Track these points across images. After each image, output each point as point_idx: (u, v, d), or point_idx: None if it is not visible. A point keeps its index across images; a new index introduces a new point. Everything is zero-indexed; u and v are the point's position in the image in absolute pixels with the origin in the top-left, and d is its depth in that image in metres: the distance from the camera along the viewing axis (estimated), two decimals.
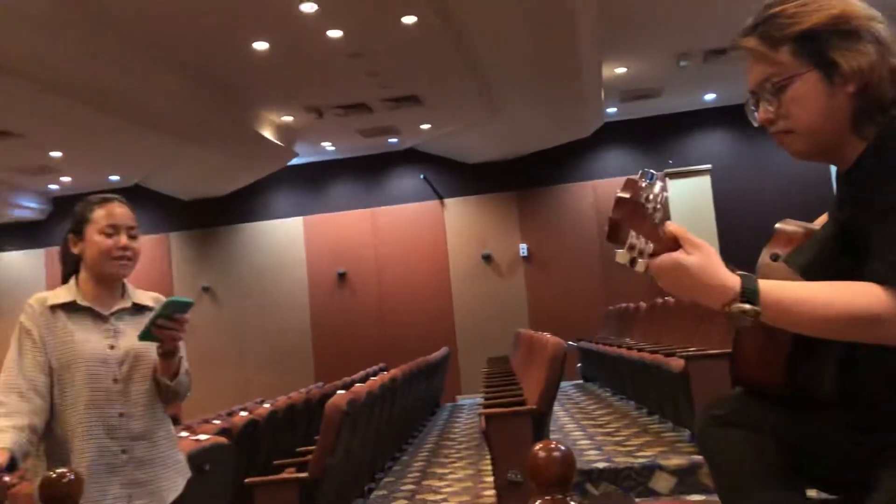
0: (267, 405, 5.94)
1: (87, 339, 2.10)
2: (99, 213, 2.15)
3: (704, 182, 12.50)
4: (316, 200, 13.64)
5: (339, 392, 4.58)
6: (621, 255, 1.18)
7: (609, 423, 6.99)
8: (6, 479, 1.86)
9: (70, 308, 2.12)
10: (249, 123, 10.42)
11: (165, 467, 2.17)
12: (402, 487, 5.96)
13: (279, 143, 11.26)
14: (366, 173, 13.48)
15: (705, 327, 6.41)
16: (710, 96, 12.04)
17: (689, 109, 12.48)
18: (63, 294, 2.14)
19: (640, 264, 1.19)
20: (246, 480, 4.05)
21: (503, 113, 10.74)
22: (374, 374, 7.85)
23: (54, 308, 2.11)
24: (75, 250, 2.16)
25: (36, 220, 13.95)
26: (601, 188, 12.52)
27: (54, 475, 1.76)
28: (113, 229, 2.13)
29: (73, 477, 1.76)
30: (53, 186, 13.22)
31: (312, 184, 13.62)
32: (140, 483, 2.10)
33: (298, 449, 5.04)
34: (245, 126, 10.35)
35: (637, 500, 4.73)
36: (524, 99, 10.19)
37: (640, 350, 6.98)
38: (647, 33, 9.03)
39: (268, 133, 10.87)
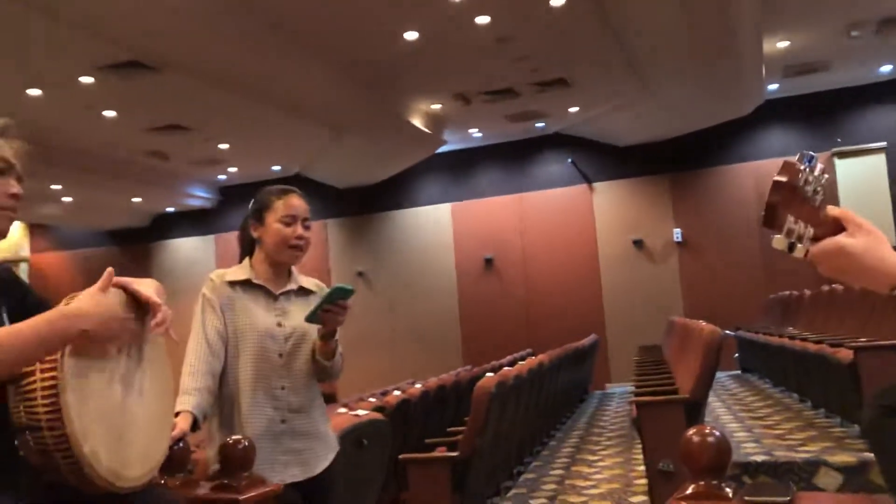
0: (418, 386, 6.12)
1: (259, 315, 2.28)
2: (279, 203, 2.32)
3: (878, 161, 11.57)
4: (463, 187, 13.83)
5: (487, 374, 4.65)
6: (778, 241, 1.15)
7: (769, 416, 6.67)
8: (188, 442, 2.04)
9: (245, 285, 2.31)
10: (399, 113, 10.71)
11: (318, 440, 2.32)
12: (551, 472, 5.97)
13: (428, 131, 11.49)
14: (512, 159, 13.51)
15: (877, 317, 5.97)
16: (886, 68, 11.10)
17: (860, 83, 11.59)
18: (239, 272, 2.33)
19: (800, 249, 1.14)
20: (400, 457, 4.20)
21: (655, 93, 10.41)
22: (522, 360, 7.89)
23: (232, 284, 2.30)
24: (255, 234, 2.34)
25: (206, 209, 15.03)
26: (762, 170, 11.88)
27: (232, 441, 1.93)
28: (291, 219, 2.31)
29: (247, 444, 1.92)
30: (222, 177, 14.17)
31: (460, 170, 13.81)
32: (295, 452, 2.26)
33: (449, 429, 5.17)
34: (395, 115, 10.64)
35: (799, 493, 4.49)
36: (677, 77, 9.83)
37: (803, 340, 6.60)
38: (813, 3, 8.44)
39: (417, 122, 11.13)
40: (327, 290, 2.20)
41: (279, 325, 2.29)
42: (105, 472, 1.46)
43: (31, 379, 1.43)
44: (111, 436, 1.51)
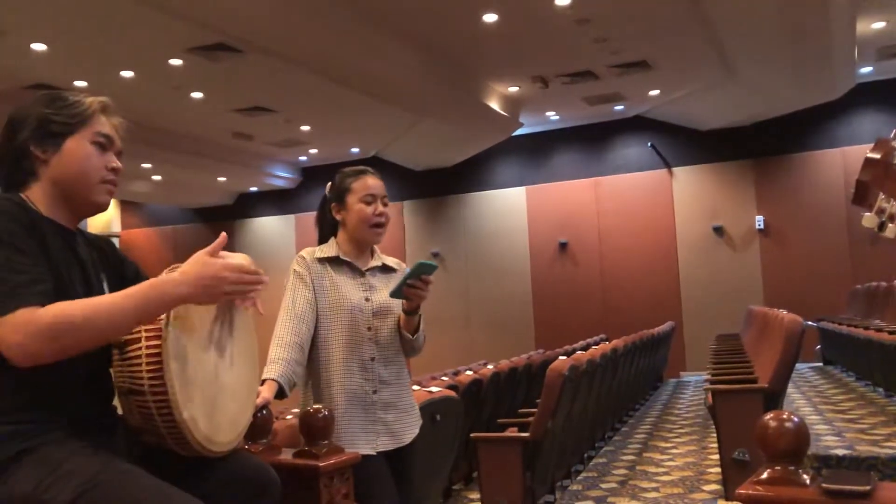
0: (490, 367, 6.17)
1: (349, 290, 2.37)
2: (358, 184, 2.41)
3: None
4: (539, 170, 13.74)
5: (560, 358, 4.65)
6: (868, 219, 1.13)
7: (852, 410, 6.46)
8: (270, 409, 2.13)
9: (334, 262, 2.40)
10: (477, 95, 10.71)
11: (405, 412, 2.39)
12: (622, 458, 5.95)
13: (505, 113, 11.46)
14: (589, 142, 13.34)
15: None
16: None
17: None
18: (328, 250, 2.42)
19: (890, 229, 1.12)
20: (472, 435, 4.26)
21: (740, 75, 10.11)
22: (596, 345, 7.84)
23: (322, 260, 2.39)
24: (338, 217, 2.44)
25: (287, 189, 15.38)
26: (851, 156, 11.42)
27: (312, 410, 2.01)
28: (371, 198, 2.40)
29: (327, 413, 2.00)
30: (303, 158, 14.47)
31: (536, 153, 13.72)
32: (385, 423, 2.33)
33: (521, 410, 5.20)
34: (473, 98, 10.64)
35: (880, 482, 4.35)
36: (764, 59, 9.52)
37: (892, 333, 6.36)
38: None
39: (494, 104, 11.11)
40: (410, 267, 2.27)
41: (366, 299, 2.37)
42: (201, 436, 1.54)
43: (136, 346, 1.51)
44: (206, 402, 1.59)
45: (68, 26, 7.65)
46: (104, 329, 1.44)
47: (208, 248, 1.55)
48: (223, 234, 1.60)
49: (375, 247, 2.49)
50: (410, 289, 2.27)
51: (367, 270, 2.42)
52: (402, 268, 2.50)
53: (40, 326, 1.37)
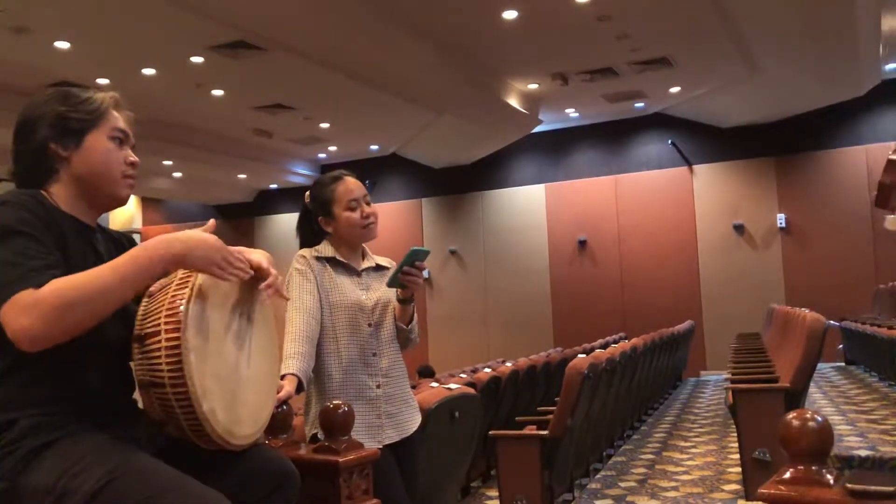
0: (509, 364, 6.16)
1: (348, 289, 2.41)
2: (339, 191, 2.44)
3: None
4: (558, 167, 13.70)
5: (579, 356, 4.63)
6: (892, 221, 1.11)
7: (874, 410, 6.40)
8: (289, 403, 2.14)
9: (332, 262, 2.44)
10: (497, 92, 10.68)
11: (407, 404, 2.44)
12: (641, 456, 5.92)
13: (524, 110, 11.43)
14: (609, 139, 13.28)
15: None
16: None
17: None
18: (325, 250, 2.45)
19: None
20: (490, 432, 4.26)
21: (763, 72, 10.01)
22: (615, 343, 7.81)
23: (320, 259, 2.43)
24: (329, 229, 2.46)
25: (307, 186, 15.37)
26: (876, 153, 11.27)
27: (332, 406, 2.01)
28: (355, 203, 2.43)
29: (347, 409, 2.00)
30: (322, 155, 14.52)
31: (555, 151, 13.68)
32: (389, 415, 2.37)
33: (539, 408, 5.19)
34: (493, 95, 10.62)
35: None
36: (788, 55, 9.42)
37: None
38: None
39: (514, 101, 11.08)
40: (405, 255, 2.30)
41: (365, 298, 2.42)
42: (221, 429, 1.54)
43: (156, 339, 1.52)
44: (226, 395, 1.59)
45: (91, 24, 7.72)
46: (100, 294, 1.42)
47: (200, 227, 1.60)
48: (212, 220, 1.68)
49: (366, 248, 2.53)
50: (406, 276, 2.29)
51: (363, 271, 2.46)
52: (394, 265, 2.52)
53: (45, 307, 1.36)
